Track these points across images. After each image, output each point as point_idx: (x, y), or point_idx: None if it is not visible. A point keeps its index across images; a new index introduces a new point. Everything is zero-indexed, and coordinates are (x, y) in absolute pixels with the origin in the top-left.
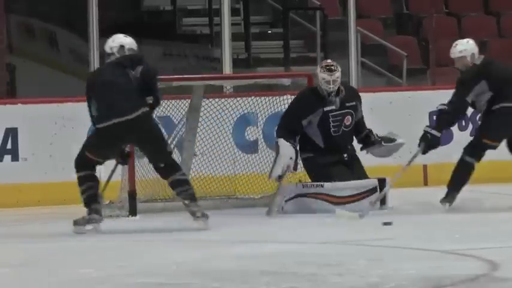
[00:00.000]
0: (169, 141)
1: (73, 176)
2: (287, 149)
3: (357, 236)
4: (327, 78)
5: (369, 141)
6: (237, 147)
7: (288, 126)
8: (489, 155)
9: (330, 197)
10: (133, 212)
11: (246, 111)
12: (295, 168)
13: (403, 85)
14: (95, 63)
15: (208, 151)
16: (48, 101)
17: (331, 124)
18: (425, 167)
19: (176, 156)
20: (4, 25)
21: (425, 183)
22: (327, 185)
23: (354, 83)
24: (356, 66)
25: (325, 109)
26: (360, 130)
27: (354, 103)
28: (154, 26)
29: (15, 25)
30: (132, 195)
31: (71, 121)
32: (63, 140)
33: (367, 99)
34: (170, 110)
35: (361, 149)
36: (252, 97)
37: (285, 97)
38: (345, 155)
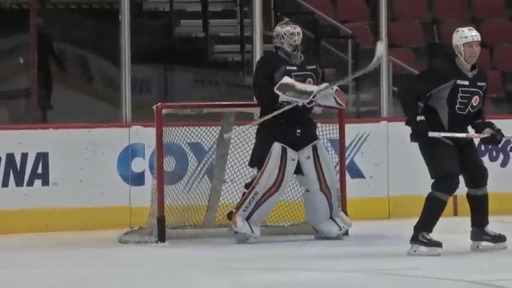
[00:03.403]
0: (199, 168)
1: (103, 201)
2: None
3: (384, 265)
4: (291, 30)
5: None
6: None
7: (266, 91)
8: None
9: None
10: (162, 238)
11: None
12: None
13: None
14: (126, 89)
15: (238, 178)
16: (80, 126)
17: None
18: (455, 197)
19: (206, 182)
20: (37, 51)
21: (455, 214)
22: (258, 188)
23: (384, 111)
24: (387, 95)
25: (288, 68)
26: None
27: (314, 66)
28: (186, 53)
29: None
30: (161, 221)
31: (101, 146)
32: (94, 165)
33: (399, 128)
34: (201, 136)
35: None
36: None
37: (317, 125)
38: (298, 131)
